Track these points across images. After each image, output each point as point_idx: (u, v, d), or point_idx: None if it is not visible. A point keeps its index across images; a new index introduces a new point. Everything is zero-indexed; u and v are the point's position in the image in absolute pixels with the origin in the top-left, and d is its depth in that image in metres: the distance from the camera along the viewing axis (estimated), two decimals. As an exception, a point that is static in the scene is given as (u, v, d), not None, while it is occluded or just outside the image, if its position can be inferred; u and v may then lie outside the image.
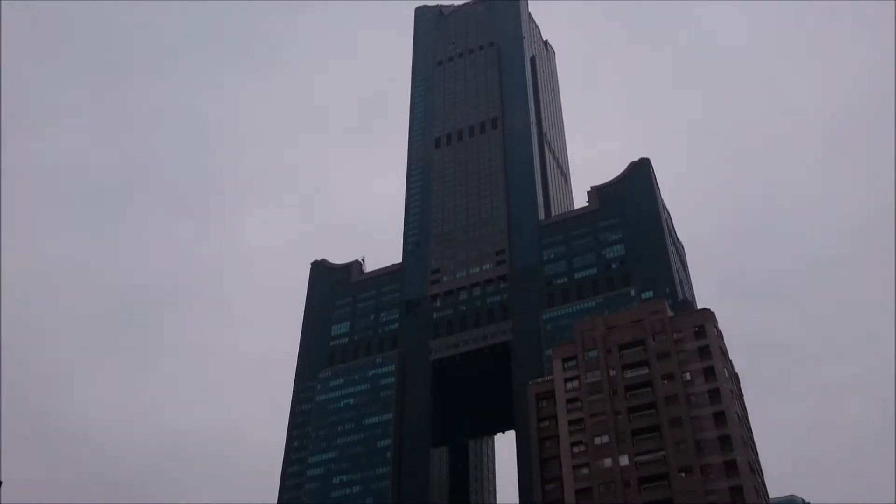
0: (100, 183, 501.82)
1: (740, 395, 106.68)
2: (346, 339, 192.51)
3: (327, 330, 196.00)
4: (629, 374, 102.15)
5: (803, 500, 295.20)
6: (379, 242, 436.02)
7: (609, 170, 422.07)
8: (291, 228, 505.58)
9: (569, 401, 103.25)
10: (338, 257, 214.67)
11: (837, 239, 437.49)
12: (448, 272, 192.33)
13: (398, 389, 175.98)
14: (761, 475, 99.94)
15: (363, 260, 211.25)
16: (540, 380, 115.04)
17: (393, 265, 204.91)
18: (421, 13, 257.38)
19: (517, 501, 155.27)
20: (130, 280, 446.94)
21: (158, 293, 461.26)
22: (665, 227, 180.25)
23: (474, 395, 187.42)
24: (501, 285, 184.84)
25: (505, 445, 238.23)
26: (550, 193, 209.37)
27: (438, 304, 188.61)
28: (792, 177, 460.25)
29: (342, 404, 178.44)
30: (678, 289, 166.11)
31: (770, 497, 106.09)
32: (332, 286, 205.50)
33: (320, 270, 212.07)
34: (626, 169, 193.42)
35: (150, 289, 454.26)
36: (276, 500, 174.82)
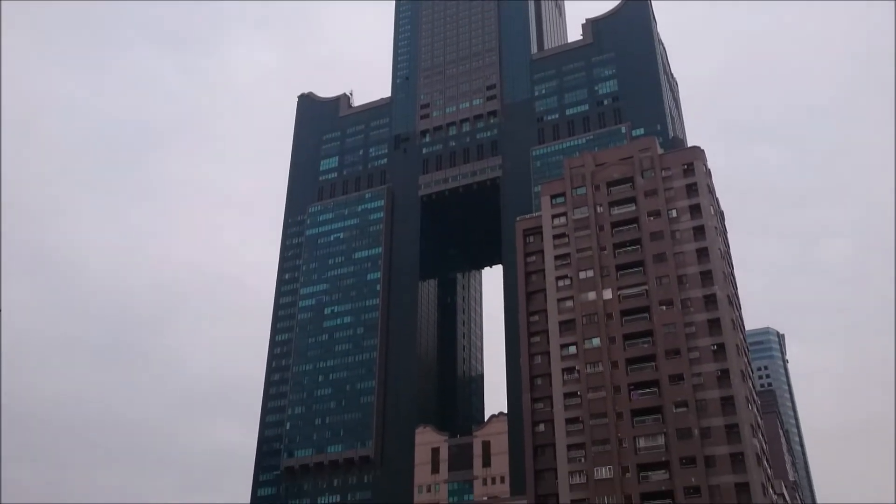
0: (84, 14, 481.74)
1: (724, 232, 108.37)
2: (335, 174, 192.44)
3: (316, 164, 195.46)
4: (616, 210, 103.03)
5: (777, 332, 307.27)
6: (367, 77, 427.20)
7: (606, 1, 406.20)
8: (278, 62, 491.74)
9: (555, 236, 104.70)
10: (326, 92, 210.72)
11: (837, 82, 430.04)
12: (438, 107, 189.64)
13: (387, 224, 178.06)
14: (739, 309, 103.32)
15: (351, 94, 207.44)
16: (528, 215, 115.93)
17: (382, 99, 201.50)
18: None
19: (503, 333, 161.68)
20: (118, 116, 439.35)
21: (146, 130, 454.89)
22: (660, 63, 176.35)
23: (462, 230, 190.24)
24: (491, 121, 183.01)
25: (491, 280, 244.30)
26: (544, 25, 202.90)
27: (428, 139, 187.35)
28: (793, 14, 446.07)
29: (332, 238, 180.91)
30: (670, 127, 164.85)
31: (747, 330, 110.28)
32: (319, 120, 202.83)
33: (308, 104, 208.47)
34: (622, 1, 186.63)
35: (137, 125, 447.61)
36: (269, 331, 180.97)
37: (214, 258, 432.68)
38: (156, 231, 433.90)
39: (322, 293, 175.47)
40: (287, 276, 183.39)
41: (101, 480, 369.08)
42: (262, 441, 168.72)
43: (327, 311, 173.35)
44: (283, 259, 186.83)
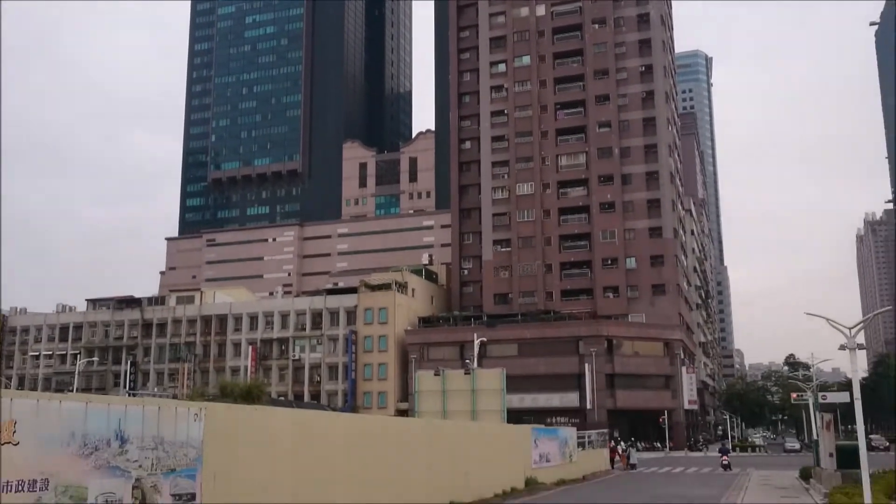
0: None
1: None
2: None
3: None
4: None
5: (706, 55, 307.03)
6: None
7: None
8: None
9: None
10: None
11: None
12: None
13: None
14: (671, 29, 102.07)
15: None
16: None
17: None
18: None
19: (433, 49, 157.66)
20: None
21: None
22: None
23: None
24: None
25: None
26: None
27: None
28: None
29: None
30: None
31: (676, 52, 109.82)
32: None
33: None
34: None
35: None
36: (187, 40, 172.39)
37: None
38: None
39: (242, 1, 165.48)
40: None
41: (21, 187, 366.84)
42: (188, 153, 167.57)
43: (248, 20, 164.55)
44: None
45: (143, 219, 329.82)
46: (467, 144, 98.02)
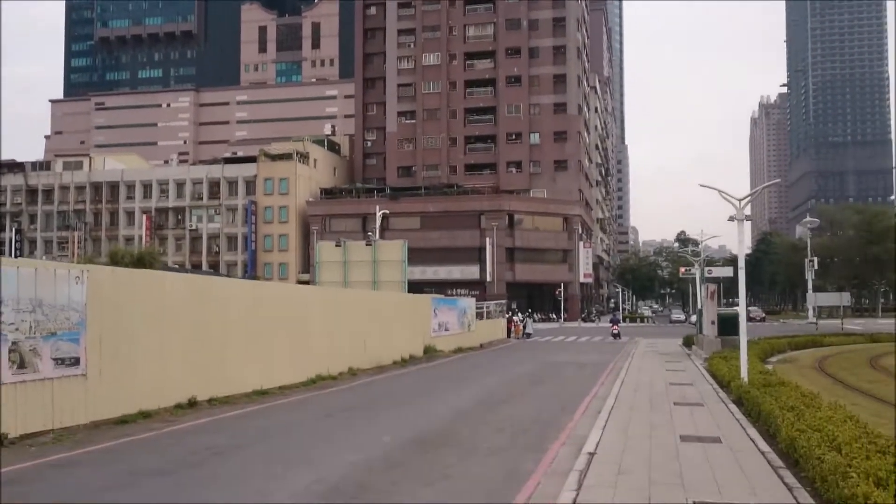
0: None
1: None
2: None
3: None
4: None
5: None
6: None
7: None
8: None
9: None
10: None
11: None
12: None
13: None
14: None
15: None
16: None
17: None
18: None
19: None
20: None
21: None
22: None
23: None
24: None
25: None
26: None
27: None
28: None
29: None
30: None
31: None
32: None
33: None
34: None
35: None
36: None
37: None
38: None
39: None
40: None
41: None
42: (72, 9, 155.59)
43: None
44: None
45: (26, 79, 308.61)
46: (373, 10, 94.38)
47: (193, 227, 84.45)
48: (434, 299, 36.19)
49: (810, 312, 79.71)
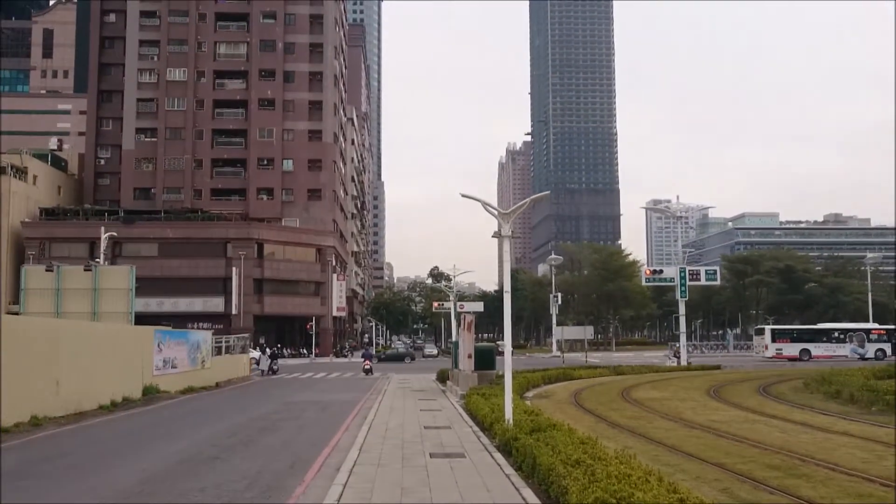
0: None
1: None
2: None
3: None
4: None
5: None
6: None
7: None
8: None
9: None
10: None
11: None
12: None
13: None
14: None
15: None
16: None
17: None
18: None
19: None
20: None
21: None
22: None
23: None
24: None
25: None
26: None
27: None
28: None
29: None
30: None
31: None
32: None
33: None
34: None
35: None
36: None
37: None
38: None
39: None
40: None
41: None
42: None
43: None
44: None
45: None
46: (112, 17, 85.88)
47: None
48: (158, 332, 31.11)
49: (554, 346, 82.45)
